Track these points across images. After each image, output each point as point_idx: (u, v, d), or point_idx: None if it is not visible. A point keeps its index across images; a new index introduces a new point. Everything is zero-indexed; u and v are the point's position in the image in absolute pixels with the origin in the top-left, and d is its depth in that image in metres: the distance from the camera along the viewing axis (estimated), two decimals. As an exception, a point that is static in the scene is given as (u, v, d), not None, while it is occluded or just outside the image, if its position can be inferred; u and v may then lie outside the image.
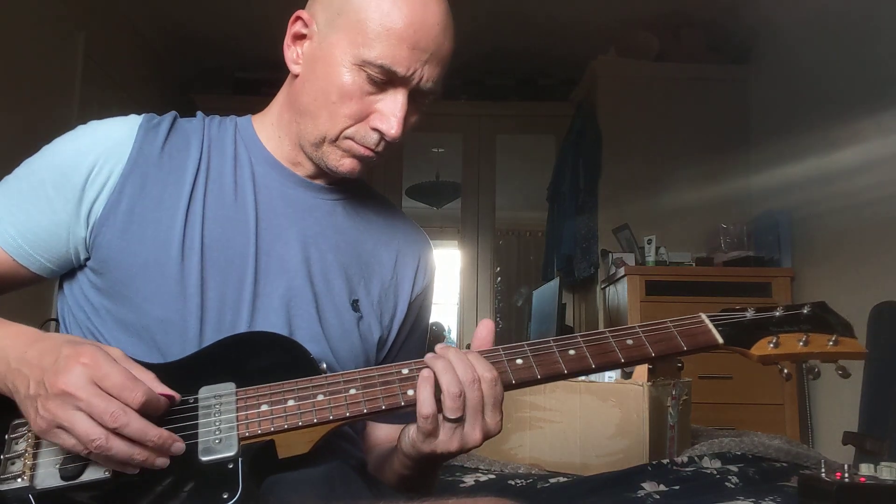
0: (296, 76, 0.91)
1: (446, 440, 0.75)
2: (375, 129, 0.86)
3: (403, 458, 0.82)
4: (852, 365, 0.85)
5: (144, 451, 0.68)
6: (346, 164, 0.90)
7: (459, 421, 0.75)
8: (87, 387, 0.66)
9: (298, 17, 0.91)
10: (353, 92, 0.85)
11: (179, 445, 0.70)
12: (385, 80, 0.84)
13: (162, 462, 0.69)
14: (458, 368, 0.75)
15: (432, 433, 0.75)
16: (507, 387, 0.79)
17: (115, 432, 0.66)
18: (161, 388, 0.72)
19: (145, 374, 0.72)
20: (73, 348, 0.69)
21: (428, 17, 0.83)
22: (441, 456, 0.77)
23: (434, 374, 0.75)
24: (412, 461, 0.81)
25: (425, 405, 0.74)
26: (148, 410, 0.68)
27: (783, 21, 3.47)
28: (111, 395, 0.67)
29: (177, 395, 0.73)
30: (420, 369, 0.77)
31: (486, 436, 0.76)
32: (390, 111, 0.85)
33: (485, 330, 0.82)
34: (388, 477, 0.88)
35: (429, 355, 0.79)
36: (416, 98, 0.88)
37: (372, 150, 0.88)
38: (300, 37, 0.91)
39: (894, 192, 2.59)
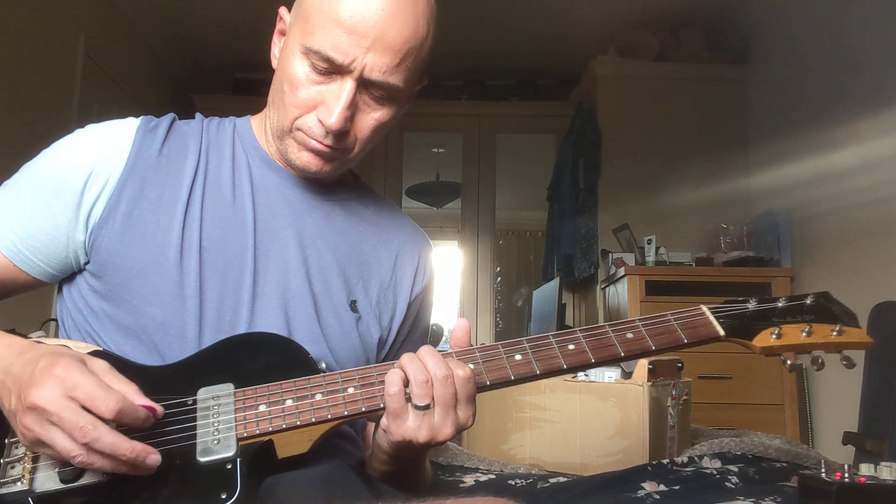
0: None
1: (415, 427, 0.75)
2: (320, 120, 0.85)
3: (380, 452, 0.82)
4: (854, 362, 0.84)
5: (122, 464, 0.66)
6: (303, 158, 0.89)
7: (427, 409, 0.74)
8: (59, 400, 0.65)
9: (280, 15, 0.92)
10: (300, 80, 0.85)
11: (154, 458, 0.67)
12: (328, 68, 0.83)
13: (147, 471, 0.68)
14: (430, 363, 0.75)
15: (399, 415, 0.75)
16: (506, 383, 0.79)
17: (89, 447, 0.65)
18: (142, 401, 0.70)
19: (127, 387, 0.70)
20: (50, 360, 0.68)
21: (370, 2, 0.81)
22: (411, 445, 0.76)
23: (402, 367, 0.76)
24: (387, 454, 0.81)
25: (391, 385, 0.75)
26: (124, 420, 0.67)
27: (782, 21, 3.47)
28: (84, 407, 0.66)
29: (159, 408, 0.71)
30: None
31: (458, 429, 0.77)
32: (332, 101, 0.84)
33: (460, 331, 0.82)
34: (373, 475, 0.88)
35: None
36: (372, 91, 0.86)
37: (321, 142, 0.86)
38: (282, 33, 0.92)
39: (894, 193, 2.59)
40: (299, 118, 0.86)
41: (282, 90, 0.87)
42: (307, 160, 0.89)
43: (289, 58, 0.86)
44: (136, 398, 0.70)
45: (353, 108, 0.85)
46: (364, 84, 0.84)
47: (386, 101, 0.87)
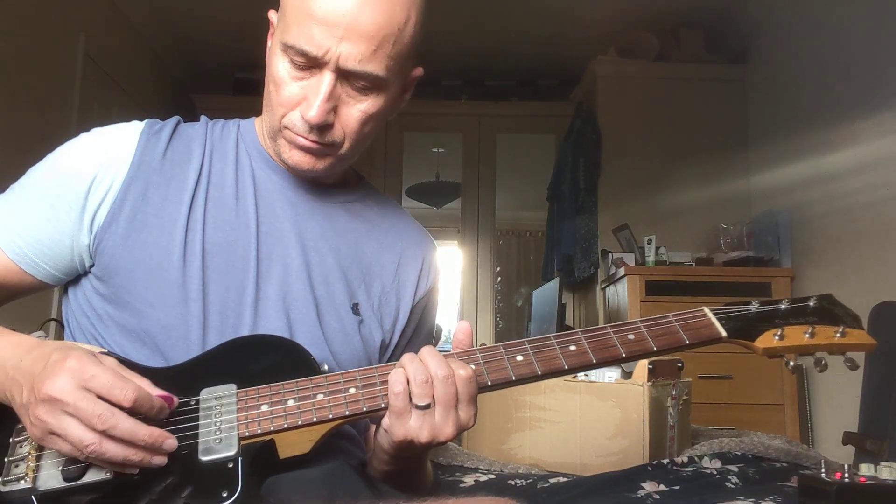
0: None
1: (417, 427, 0.75)
2: (302, 115, 0.85)
3: (381, 452, 0.82)
4: (857, 364, 0.85)
5: (139, 451, 0.67)
6: (294, 157, 0.89)
7: (427, 408, 0.75)
8: (74, 391, 0.66)
9: (269, 18, 0.92)
10: (282, 78, 0.85)
11: (171, 442, 0.69)
12: (306, 62, 0.83)
13: (159, 461, 0.69)
14: (431, 363, 0.75)
15: (402, 414, 0.75)
16: (508, 383, 0.80)
17: (106, 434, 0.66)
18: (156, 391, 0.71)
19: (140, 380, 0.71)
20: (62, 353, 0.69)
21: None
22: (413, 446, 0.77)
23: (403, 366, 0.76)
24: (388, 454, 0.81)
25: (395, 384, 0.75)
26: (141, 409, 0.68)
27: (782, 21, 3.48)
28: (100, 397, 0.67)
29: (175, 398, 0.73)
30: None
31: (460, 430, 0.77)
32: (311, 95, 0.84)
33: (461, 333, 0.83)
34: (374, 475, 0.88)
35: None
36: (353, 82, 0.85)
37: (306, 138, 0.86)
38: (273, 35, 0.92)
39: (894, 193, 2.59)
40: (285, 116, 0.87)
41: (268, 90, 0.88)
42: (298, 158, 0.89)
43: (272, 58, 0.87)
44: (151, 390, 0.71)
45: (334, 101, 0.84)
46: (343, 75, 0.84)
47: (370, 91, 0.86)
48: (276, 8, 0.93)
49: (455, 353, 0.80)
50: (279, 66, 0.85)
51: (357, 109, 0.87)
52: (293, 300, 0.89)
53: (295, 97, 0.85)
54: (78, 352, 0.70)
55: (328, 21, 0.81)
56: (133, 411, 0.68)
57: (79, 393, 0.66)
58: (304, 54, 0.82)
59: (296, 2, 0.83)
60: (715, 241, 3.49)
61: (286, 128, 0.87)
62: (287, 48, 0.83)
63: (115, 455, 0.67)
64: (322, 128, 0.85)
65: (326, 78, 0.83)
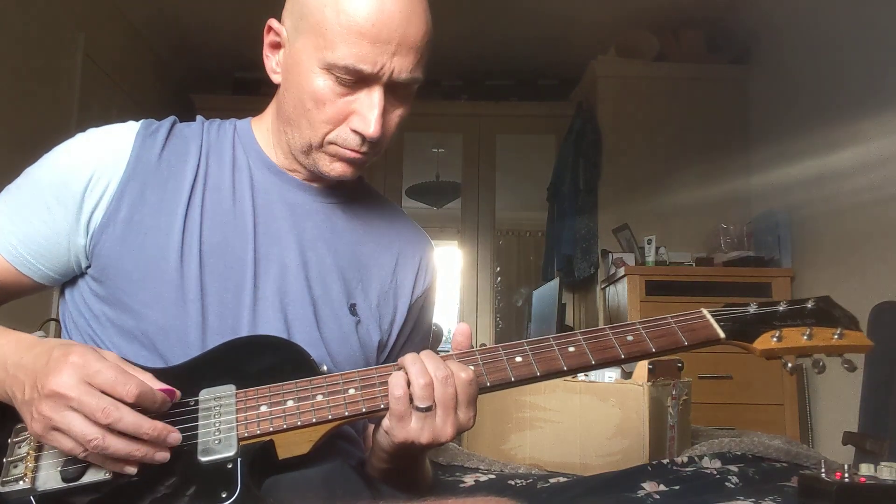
0: (279, 86, 0.91)
1: (417, 429, 0.75)
2: (355, 131, 0.85)
3: (380, 451, 0.82)
4: (855, 365, 0.85)
5: (142, 445, 0.68)
6: (336, 169, 0.89)
7: (428, 410, 0.75)
8: (78, 386, 0.67)
9: (270, 27, 0.90)
10: (325, 96, 0.84)
11: (175, 436, 0.70)
12: (354, 79, 0.83)
13: (161, 456, 0.69)
14: (430, 365, 0.76)
15: (403, 417, 0.75)
16: (507, 384, 0.80)
17: (110, 429, 0.66)
18: (158, 385, 0.72)
19: (142, 374, 0.72)
20: (64, 349, 0.69)
21: (386, 7, 0.81)
22: (413, 447, 0.77)
23: (405, 368, 0.77)
24: (387, 454, 0.81)
25: (396, 387, 0.75)
26: (144, 404, 0.69)
27: (783, 21, 3.48)
28: (103, 392, 0.67)
29: (177, 392, 0.73)
30: None
31: (459, 431, 0.77)
32: (366, 111, 0.84)
33: (460, 335, 0.83)
34: (373, 474, 0.88)
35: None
36: (397, 90, 0.86)
37: (357, 151, 0.87)
38: (276, 45, 0.91)
39: (894, 193, 2.59)
40: (331, 132, 0.87)
41: (304, 108, 0.86)
42: (341, 170, 0.89)
43: (307, 75, 0.85)
44: (153, 383, 0.71)
45: (384, 113, 0.86)
46: (390, 86, 0.85)
47: (407, 98, 0.89)
48: (276, 9, 0.92)
49: (454, 354, 0.80)
50: (321, 84, 0.84)
51: (396, 115, 0.89)
52: (291, 301, 0.89)
53: (341, 113, 0.85)
54: (80, 348, 0.70)
55: (380, 38, 0.81)
56: (136, 406, 0.68)
57: (83, 388, 0.67)
58: (356, 72, 0.82)
59: (337, 18, 0.81)
60: (715, 241, 3.49)
61: (332, 143, 0.87)
62: (333, 67, 0.82)
63: (119, 450, 0.67)
64: (375, 140, 0.86)
65: (379, 92, 0.84)
